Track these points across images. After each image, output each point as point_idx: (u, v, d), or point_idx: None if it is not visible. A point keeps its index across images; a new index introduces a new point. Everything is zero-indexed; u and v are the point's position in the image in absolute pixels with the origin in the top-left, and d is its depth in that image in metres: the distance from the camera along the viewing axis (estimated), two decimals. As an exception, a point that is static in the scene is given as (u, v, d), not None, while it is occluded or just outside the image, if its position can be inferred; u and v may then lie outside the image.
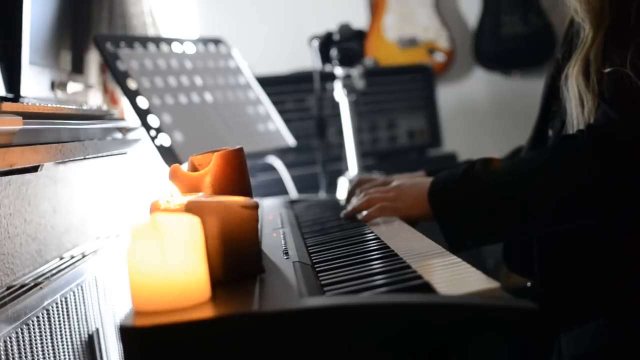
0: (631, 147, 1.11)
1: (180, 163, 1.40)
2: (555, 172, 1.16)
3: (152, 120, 1.54)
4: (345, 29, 2.08)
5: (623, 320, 1.19)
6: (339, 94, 2.09)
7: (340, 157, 2.33)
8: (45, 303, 1.08)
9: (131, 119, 1.70)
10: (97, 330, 1.28)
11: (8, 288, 1.07)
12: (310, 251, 1.10)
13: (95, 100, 1.84)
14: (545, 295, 1.28)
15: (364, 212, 1.31)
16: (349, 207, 1.37)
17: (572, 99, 1.20)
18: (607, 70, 1.14)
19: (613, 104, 1.13)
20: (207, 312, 0.72)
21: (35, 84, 1.42)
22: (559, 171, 1.16)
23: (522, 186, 1.19)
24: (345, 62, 2.06)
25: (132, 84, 1.57)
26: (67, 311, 1.16)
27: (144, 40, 1.71)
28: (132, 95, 1.56)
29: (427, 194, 1.25)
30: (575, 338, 1.22)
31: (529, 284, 1.39)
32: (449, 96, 3.34)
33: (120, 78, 1.57)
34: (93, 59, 1.86)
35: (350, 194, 1.48)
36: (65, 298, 1.16)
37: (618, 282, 1.20)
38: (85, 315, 1.24)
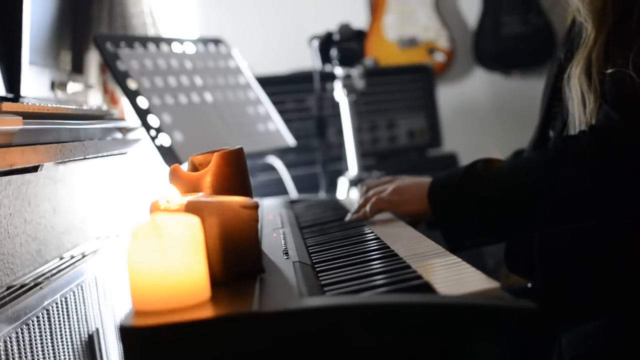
0: (633, 148, 1.11)
1: (180, 163, 1.40)
2: (557, 173, 1.15)
3: (152, 120, 1.54)
4: (345, 29, 2.08)
5: (623, 320, 1.18)
6: (339, 94, 2.09)
7: (340, 157, 2.33)
8: (45, 303, 1.08)
9: (131, 119, 1.69)
10: (97, 330, 1.28)
11: (8, 288, 1.07)
12: (310, 251, 1.10)
13: (95, 100, 1.84)
14: (546, 296, 1.28)
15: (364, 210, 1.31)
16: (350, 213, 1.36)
17: (574, 99, 1.20)
18: (610, 71, 1.13)
19: (615, 104, 1.12)
20: (207, 312, 0.72)
21: (35, 84, 1.42)
22: (560, 172, 1.15)
23: (524, 187, 1.18)
24: (345, 62, 2.06)
25: (132, 84, 1.57)
26: (67, 311, 1.16)
27: (144, 40, 1.70)
28: (132, 95, 1.56)
29: (427, 192, 1.25)
30: (575, 338, 1.22)
31: (529, 284, 1.39)
32: (449, 96, 3.33)
33: (120, 78, 1.57)
34: (93, 59, 1.86)
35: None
36: (65, 298, 1.16)
37: (618, 283, 1.20)
38: (85, 315, 1.24)
